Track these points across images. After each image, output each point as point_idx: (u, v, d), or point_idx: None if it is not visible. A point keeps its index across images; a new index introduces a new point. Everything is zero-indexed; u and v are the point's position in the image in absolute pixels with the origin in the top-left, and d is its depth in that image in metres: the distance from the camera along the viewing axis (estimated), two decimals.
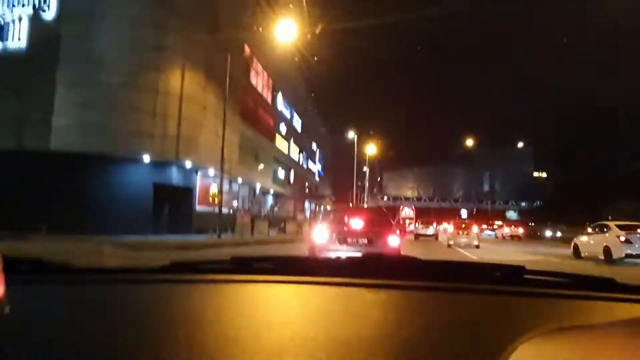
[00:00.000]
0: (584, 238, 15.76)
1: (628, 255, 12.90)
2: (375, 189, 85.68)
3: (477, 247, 19.82)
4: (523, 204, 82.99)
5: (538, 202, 77.56)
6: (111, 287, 1.27)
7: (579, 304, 1.11)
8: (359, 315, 0.99)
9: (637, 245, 13.03)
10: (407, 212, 51.03)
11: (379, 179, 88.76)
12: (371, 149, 49.71)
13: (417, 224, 35.77)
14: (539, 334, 0.76)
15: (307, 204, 54.94)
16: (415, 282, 1.26)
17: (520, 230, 39.80)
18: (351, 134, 47.40)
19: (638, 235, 13.21)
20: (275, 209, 41.76)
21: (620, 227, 14.02)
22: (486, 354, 0.73)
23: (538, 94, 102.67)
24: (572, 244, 16.30)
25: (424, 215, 45.95)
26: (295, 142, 47.32)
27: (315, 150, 59.88)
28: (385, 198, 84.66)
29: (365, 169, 53.07)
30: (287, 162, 44.27)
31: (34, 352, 0.74)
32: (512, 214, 78.46)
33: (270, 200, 41.28)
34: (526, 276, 1.29)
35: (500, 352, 0.71)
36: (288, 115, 44.90)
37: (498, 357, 0.70)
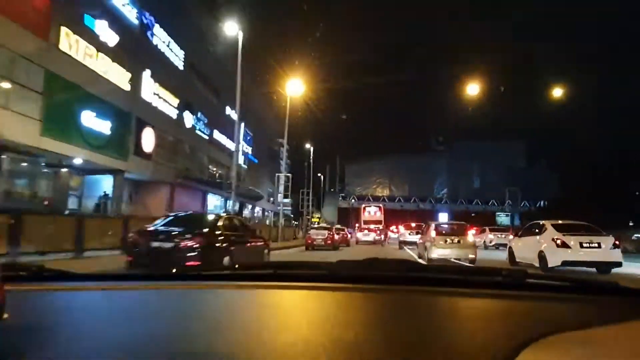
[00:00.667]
0: (519, 241, 13.57)
1: (565, 263, 10.92)
2: (335, 188, 74.23)
3: (473, 261, 13.28)
4: (523, 204, 69.97)
5: (542, 203, 66.29)
6: (110, 293, 1.27)
7: (581, 308, 1.11)
8: (359, 319, 1.01)
9: (576, 251, 10.98)
10: (371, 213, 40.26)
11: (337, 175, 75.29)
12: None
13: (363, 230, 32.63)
14: (541, 338, 0.77)
15: (223, 202, 35.28)
16: (416, 287, 1.27)
17: (510, 237, 31.49)
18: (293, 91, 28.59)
19: (578, 238, 11.16)
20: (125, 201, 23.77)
21: (556, 227, 11.95)
22: (488, 359, 0.73)
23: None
24: (508, 248, 14.28)
25: (395, 218, 42.83)
26: (162, 81, 25.83)
27: (237, 122, 26.53)
28: (349, 198, 74.66)
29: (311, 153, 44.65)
30: (122, 105, 21.76)
31: (34, 358, 0.75)
32: (503, 219, 67.16)
33: (103, 184, 22.69)
34: (528, 280, 1.32)
35: (502, 357, 0.72)
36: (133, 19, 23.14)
37: None
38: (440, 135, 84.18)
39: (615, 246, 11.19)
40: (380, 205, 46.66)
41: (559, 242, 11.20)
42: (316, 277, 1.43)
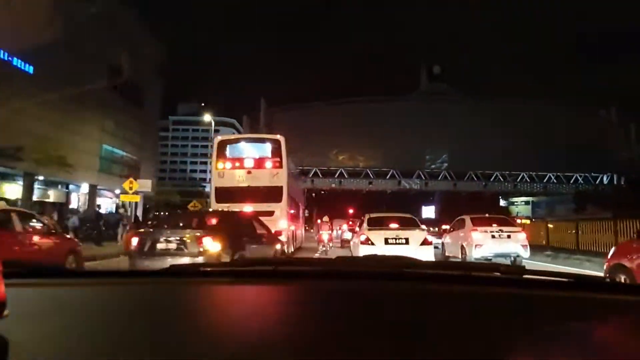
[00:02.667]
0: (448, 236, 14.16)
1: (482, 255, 11.57)
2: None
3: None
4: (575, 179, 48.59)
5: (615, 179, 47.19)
6: (109, 290, 1.26)
7: (578, 304, 1.10)
8: (352, 317, 0.99)
9: (490, 247, 11.60)
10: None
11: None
12: None
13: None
14: (538, 335, 0.78)
15: None
16: (412, 283, 1.26)
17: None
18: None
19: (489, 233, 11.83)
20: None
21: (474, 221, 12.51)
22: (485, 355, 0.74)
23: None
24: (441, 244, 14.83)
25: (363, 206, 32.95)
26: None
27: None
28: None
29: None
30: None
31: (35, 355, 0.76)
32: (521, 207, 53.71)
33: None
34: (526, 276, 1.31)
35: (499, 353, 0.72)
36: None
37: (497, 358, 0.71)
38: (438, 62, 54.50)
39: (522, 239, 11.99)
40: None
41: (474, 237, 11.98)
42: (315, 274, 1.43)
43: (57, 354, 0.78)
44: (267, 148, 15.14)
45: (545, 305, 1.07)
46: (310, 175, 47.10)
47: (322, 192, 50.75)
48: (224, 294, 1.22)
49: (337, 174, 48.70)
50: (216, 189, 14.39)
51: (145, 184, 25.34)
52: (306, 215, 30.35)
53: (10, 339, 0.71)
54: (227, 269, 1.54)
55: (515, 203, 56.86)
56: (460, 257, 12.59)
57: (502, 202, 58.98)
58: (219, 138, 16.00)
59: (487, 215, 13.64)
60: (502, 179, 50.70)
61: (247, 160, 14.71)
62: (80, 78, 23.61)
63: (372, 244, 10.03)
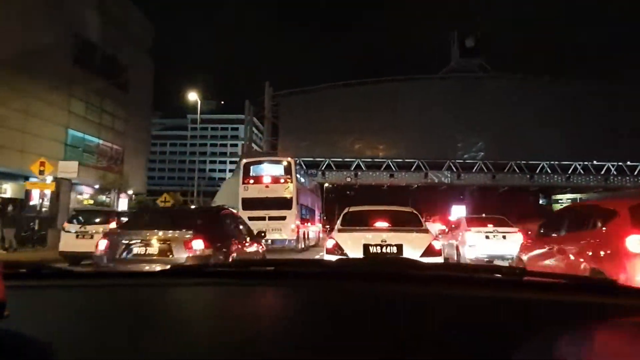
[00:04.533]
0: (446, 237, 13.69)
1: (476, 256, 11.36)
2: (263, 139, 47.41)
3: None
4: None
5: None
6: (111, 291, 1.28)
7: (578, 306, 1.12)
8: (352, 318, 1.01)
9: (484, 248, 11.23)
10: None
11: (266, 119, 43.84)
12: None
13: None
14: (539, 337, 0.80)
15: None
16: (415, 284, 1.29)
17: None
18: None
19: (483, 234, 11.42)
20: None
21: (469, 221, 12.37)
22: (486, 357, 0.77)
23: None
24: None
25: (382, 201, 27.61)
26: None
27: None
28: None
29: None
30: None
31: (35, 355, 0.78)
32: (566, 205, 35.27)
33: None
34: (526, 278, 1.34)
35: (500, 355, 0.75)
36: None
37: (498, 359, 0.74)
38: (471, 32, 44.87)
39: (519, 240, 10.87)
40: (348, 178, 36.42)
41: (468, 237, 11.51)
42: (316, 274, 1.47)
43: (57, 354, 0.80)
44: (281, 168, 19.27)
45: (546, 307, 1.10)
46: (322, 168, 41.39)
47: (349, 192, 46.24)
48: (226, 294, 1.26)
49: (353, 166, 42.12)
50: (242, 199, 18.20)
51: (68, 167, 19.32)
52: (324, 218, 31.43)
53: (11, 340, 0.76)
54: (228, 269, 1.60)
55: (560, 201, 47.21)
56: (455, 258, 12.34)
57: (541, 200, 51.36)
58: (244, 161, 20.81)
59: (483, 215, 13.53)
60: (550, 171, 42.54)
61: (265, 177, 18.81)
62: (35, 43, 19.99)
63: (343, 254, 6.37)
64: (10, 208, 18.28)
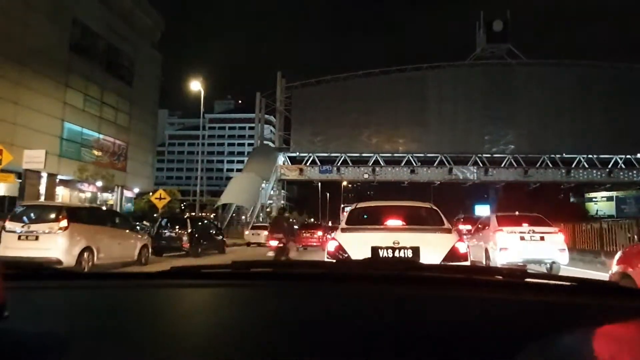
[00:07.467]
0: (473, 238, 12.32)
1: (508, 261, 9.98)
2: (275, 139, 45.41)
3: None
4: None
5: None
6: (110, 292, 1.29)
7: (581, 308, 1.12)
8: (351, 319, 1.02)
9: (518, 251, 10.01)
10: None
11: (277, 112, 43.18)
12: None
13: None
14: (541, 339, 0.79)
15: None
16: (416, 286, 1.30)
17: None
18: None
19: (518, 234, 10.16)
20: None
21: (500, 220, 10.90)
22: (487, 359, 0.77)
23: None
24: None
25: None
26: None
27: None
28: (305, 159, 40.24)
29: None
30: None
31: (35, 357, 0.78)
32: (602, 205, 41.46)
33: None
34: (528, 280, 1.34)
35: (501, 358, 0.75)
36: None
37: None
38: (499, 16, 42.14)
39: (560, 242, 10.27)
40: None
41: (499, 239, 10.32)
42: (315, 276, 1.48)
43: (57, 355, 0.80)
44: None
45: (548, 310, 1.10)
46: (338, 164, 39.66)
47: (369, 192, 45.98)
48: (224, 295, 1.27)
49: (371, 161, 40.09)
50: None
51: (34, 157, 16.72)
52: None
53: (11, 340, 0.77)
54: (227, 270, 1.58)
55: (594, 199, 44.96)
56: (484, 262, 10.93)
57: (572, 198, 48.46)
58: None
59: (516, 212, 11.91)
60: (587, 165, 39.67)
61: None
62: (26, 24, 18.72)
63: (346, 257, 5.47)
64: None
